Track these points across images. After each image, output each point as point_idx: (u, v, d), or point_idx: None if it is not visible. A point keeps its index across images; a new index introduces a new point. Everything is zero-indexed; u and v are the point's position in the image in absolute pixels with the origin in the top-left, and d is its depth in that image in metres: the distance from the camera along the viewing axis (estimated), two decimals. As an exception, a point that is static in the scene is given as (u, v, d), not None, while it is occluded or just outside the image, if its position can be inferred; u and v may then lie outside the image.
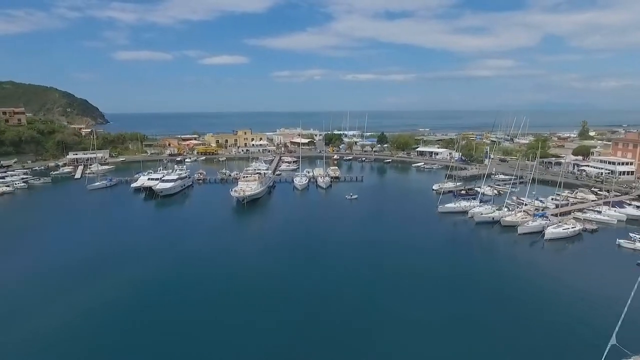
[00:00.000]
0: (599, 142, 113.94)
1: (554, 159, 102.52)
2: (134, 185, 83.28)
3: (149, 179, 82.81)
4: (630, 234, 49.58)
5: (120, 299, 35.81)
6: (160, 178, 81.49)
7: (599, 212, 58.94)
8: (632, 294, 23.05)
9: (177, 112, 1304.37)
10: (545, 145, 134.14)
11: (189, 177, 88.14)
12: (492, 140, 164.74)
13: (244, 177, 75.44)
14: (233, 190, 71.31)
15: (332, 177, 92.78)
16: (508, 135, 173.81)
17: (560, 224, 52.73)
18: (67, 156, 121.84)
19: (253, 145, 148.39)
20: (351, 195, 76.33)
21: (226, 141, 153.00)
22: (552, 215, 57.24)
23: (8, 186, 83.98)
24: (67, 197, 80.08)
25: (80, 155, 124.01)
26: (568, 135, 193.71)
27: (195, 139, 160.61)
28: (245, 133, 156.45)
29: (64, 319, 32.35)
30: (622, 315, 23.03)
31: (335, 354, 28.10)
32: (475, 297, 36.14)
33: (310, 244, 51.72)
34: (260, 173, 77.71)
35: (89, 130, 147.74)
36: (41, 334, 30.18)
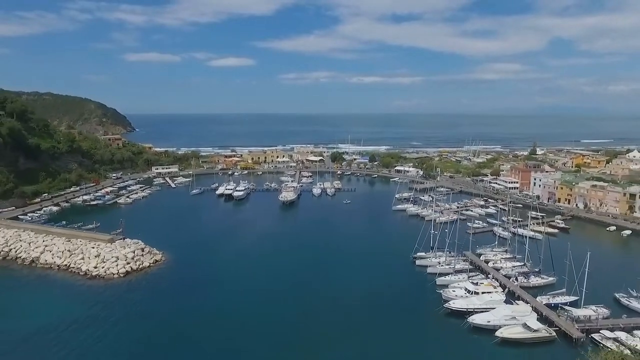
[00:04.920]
0: (502, 165, 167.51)
1: (480, 177, 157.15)
2: (217, 192, 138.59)
3: (226, 189, 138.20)
4: (477, 221, 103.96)
5: (238, 254, 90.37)
6: (234, 188, 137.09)
7: (472, 210, 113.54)
8: (421, 232, 78.01)
9: (187, 113, 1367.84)
10: (486, 165, 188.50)
11: (249, 188, 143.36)
12: (456, 159, 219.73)
13: (285, 189, 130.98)
14: (279, 196, 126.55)
15: (336, 188, 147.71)
16: (468, 154, 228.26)
17: (445, 215, 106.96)
18: (153, 170, 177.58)
19: (279, 162, 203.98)
20: (347, 201, 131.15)
21: (259, 158, 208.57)
22: (447, 211, 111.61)
23: (143, 191, 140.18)
24: (181, 199, 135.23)
25: (161, 169, 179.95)
26: (521, 153, 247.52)
27: (234, 155, 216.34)
28: (272, 152, 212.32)
29: (211, 266, 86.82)
30: (418, 235, 77.91)
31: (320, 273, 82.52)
32: (386, 246, 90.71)
33: (320, 227, 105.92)
34: (294, 186, 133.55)
35: (164, 150, 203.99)
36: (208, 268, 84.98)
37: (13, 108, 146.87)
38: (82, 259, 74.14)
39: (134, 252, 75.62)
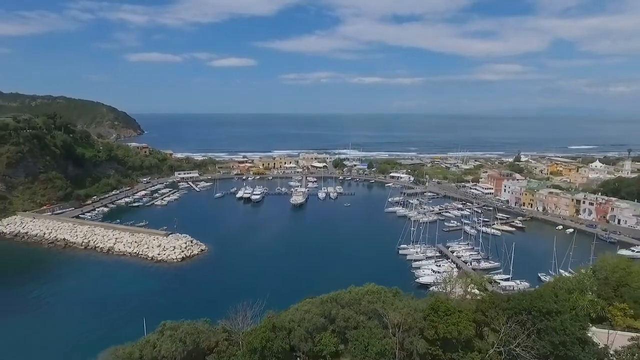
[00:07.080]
0: (486, 172, 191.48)
1: (462, 183, 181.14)
2: (237, 195, 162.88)
3: (244, 193, 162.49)
4: (453, 221, 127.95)
5: (261, 246, 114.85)
6: (252, 192, 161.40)
7: (450, 212, 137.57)
8: (404, 229, 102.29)
9: (187, 113, 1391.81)
10: (470, 172, 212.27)
11: (263, 192, 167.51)
12: (446, 166, 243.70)
13: (295, 193, 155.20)
14: (290, 199, 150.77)
15: (338, 193, 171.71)
16: (456, 160, 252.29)
17: (426, 216, 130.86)
18: (176, 175, 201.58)
19: (287, 167, 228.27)
20: (347, 204, 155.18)
21: (268, 164, 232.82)
22: (429, 212, 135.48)
23: (173, 194, 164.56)
24: (207, 201, 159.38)
25: (183, 174, 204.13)
26: (507, 160, 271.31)
27: (246, 161, 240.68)
28: (281, 159, 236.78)
29: (236, 256, 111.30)
30: (402, 232, 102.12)
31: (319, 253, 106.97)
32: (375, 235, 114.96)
33: (325, 226, 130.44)
34: (303, 191, 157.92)
35: (184, 157, 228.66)
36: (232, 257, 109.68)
37: (62, 122, 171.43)
38: (147, 248, 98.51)
39: (185, 243, 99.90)
